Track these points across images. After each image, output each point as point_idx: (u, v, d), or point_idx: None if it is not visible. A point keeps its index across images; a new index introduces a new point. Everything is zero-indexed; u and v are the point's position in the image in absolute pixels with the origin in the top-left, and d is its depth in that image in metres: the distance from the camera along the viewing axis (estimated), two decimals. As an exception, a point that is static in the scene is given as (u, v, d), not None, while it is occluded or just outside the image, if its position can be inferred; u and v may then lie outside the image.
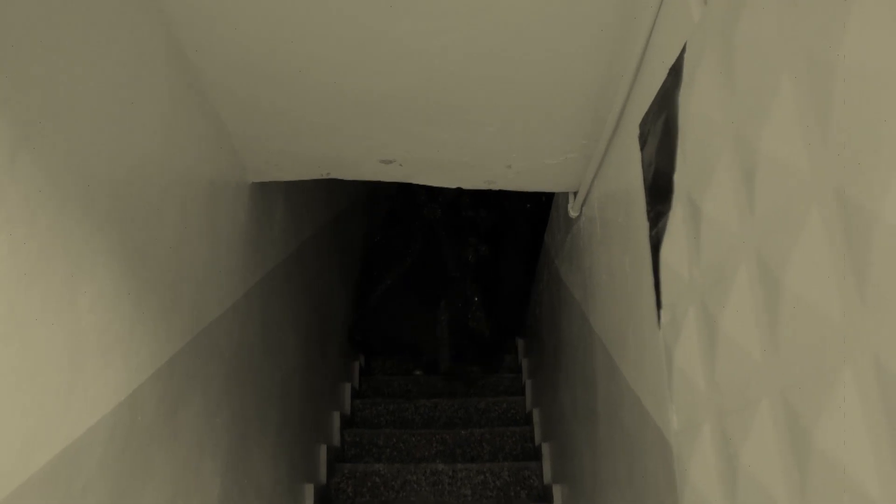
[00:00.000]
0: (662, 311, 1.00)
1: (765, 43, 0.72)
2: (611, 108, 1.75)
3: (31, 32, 1.08)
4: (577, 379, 2.43)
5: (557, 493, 2.99)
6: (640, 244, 1.56)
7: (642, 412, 1.59)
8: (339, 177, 2.18)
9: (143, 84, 1.49)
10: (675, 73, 0.94)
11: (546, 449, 3.32)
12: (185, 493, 1.76)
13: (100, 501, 1.33)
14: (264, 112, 1.87)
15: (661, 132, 0.99)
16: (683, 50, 0.93)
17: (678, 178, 0.93)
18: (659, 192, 0.99)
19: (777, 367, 0.68)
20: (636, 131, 1.62)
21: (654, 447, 1.52)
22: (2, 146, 1.03)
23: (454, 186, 2.20)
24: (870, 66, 0.56)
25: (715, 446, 0.80)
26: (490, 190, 4.12)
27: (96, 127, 1.30)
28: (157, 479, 1.60)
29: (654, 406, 1.52)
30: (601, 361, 2.03)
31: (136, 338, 1.47)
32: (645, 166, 1.08)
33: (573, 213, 2.25)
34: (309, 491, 3.04)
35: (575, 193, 2.23)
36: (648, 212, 1.06)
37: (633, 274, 1.66)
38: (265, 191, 2.35)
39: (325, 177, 2.18)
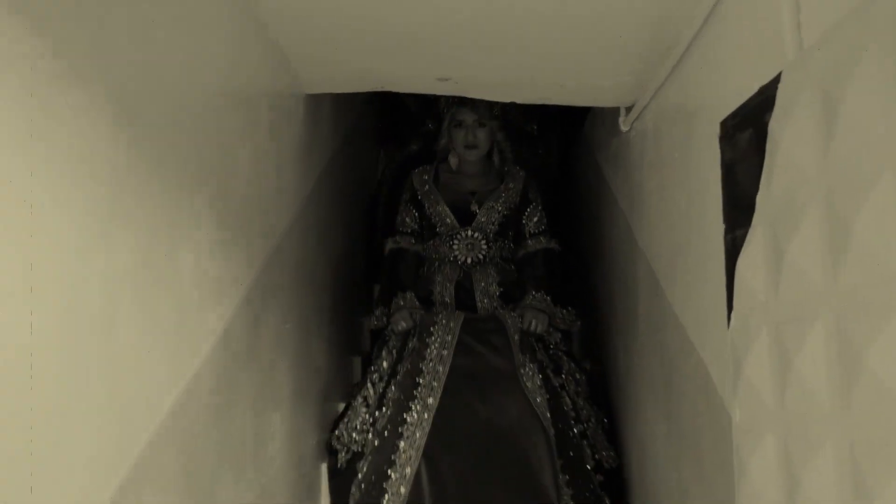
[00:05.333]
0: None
1: (870, 128, 0.76)
2: (677, 38, 1.73)
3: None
4: (616, 280, 2.56)
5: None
6: (699, 191, 1.62)
7: (687, 343, 1.72)
8: (393, 90, 2.21)
9: (212, 19, 1.50)
10: (766, 97, 0.97)
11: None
12: (264, 396, 1.96)
13: (205, 426, 1.52)
14: (322, 35, 1.86)
15: (745, 145, 1.03)
16: (778, 80, 0.95)
17: (760, 202, 0.99)
18: (737, 204, 1.06)
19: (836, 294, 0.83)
20: (703, 67, 1.63)
21: (696, 375, 1.67)
22: (120, 149, 1.10)
23: (507, 101, 2.22)
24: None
25: (770, 350, 0.98)
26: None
27: (181, 74, 1.34)
28: (244, 393, 1.78)
29: (700, 342, 1.65)
30: (644, 277, 2.14)
31: (225, 277, 1.60)
32: (724, 166, 1.13)
33: (624, 128, 2.27)
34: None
35: (627, 109, 2.24)
36: (725, 215, 1.13)
37: (689, 211, 1.73)
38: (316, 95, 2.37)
39: (378, 90, 2.20)
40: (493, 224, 2.66)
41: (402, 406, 2.30)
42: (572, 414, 2.39)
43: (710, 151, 1.36)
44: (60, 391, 0.96)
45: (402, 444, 2.24)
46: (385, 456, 2.25)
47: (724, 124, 1.12)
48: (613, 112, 2.50)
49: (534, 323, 2.46)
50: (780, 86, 0.94)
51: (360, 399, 2.51)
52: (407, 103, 3.60)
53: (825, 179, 0.84)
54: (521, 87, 2.11)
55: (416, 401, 2.29)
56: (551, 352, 2.55)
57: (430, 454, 2.22)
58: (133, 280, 1.17)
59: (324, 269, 2.64)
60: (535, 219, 2.70)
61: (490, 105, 2.57)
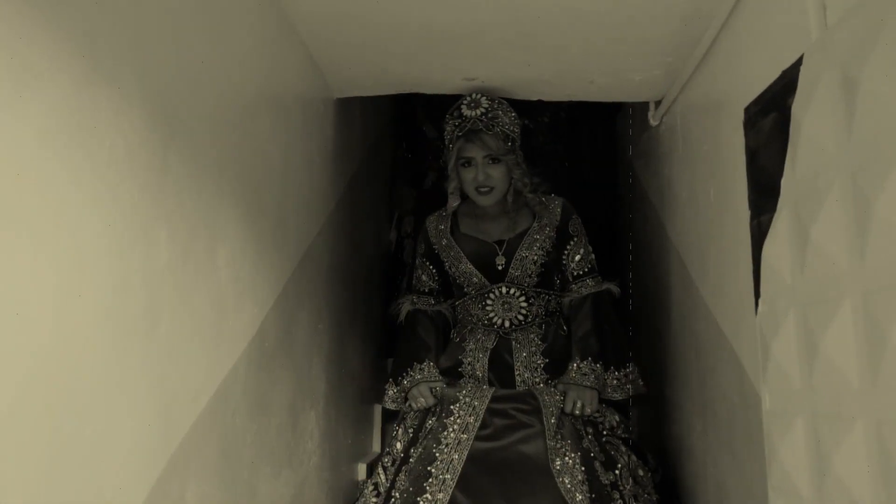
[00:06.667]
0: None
1: (889, 106, 0.76)
2: (705, 29, 1.73)
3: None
4: (649, 271, 2.55)
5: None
6: (726, 180, 1.61)
7: (719, 334, 1.72)
8: (421, 91, 2.23)
9: (245, 24, 1.54)
10: (789, 80, 0.97)
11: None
12: (301, 394, 1.99)
13: (243, 421, 1.55)
14: (349, 39, 1.89)
15: (769, 130, 1.03)
16: (800, 62, 0.96)
17: (785, 186, 0.99)
18: (762, 189, 1.06)
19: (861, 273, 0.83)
20: (729, 57, 1.63)
21: (729, 367, 1.66)
22: (157, 151, 1.14)
23: (534, 99, 2.23)
24: None
25: (797, 332, 0.98)
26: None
27: (216, 77, 1.38)
28: (280, 389, 1.82)
29: (732, 333, 1.64)
30: (677, 270, 2.14)
31: (259, 276, 1.64)
32: (749, 152, 1.14)
33: (654, 122, 2.27)
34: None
35: (656, 103, 2.24)
36: (750, 201, 1.13)
37: (717, 204, 1.73)
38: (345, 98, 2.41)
39: (406, 91, 2.23)
40: (529, 276, 2.17)
41: (411, 501, 1.89)
42: None
43: (736, 140, 1.36)
44: (106, 385, 1.00)
45: None
46: None
47: (747, 110, 1.13)
48: (642, 107, 2.51)
49: (578, 404, 2.00)
50: (802, 68, 0.94)
51: (370, 486, 2.11)
52: (425, 130, 3.44)
53: (847, 160, 0.84)
54: (549, 85, 2.12)
55: (425, 495, 1.88)
56: (604, 439, 2.04)
57: None
58: (173, 279, 1.21)
59: (356, 272, 2.68)
60: (578, 257, 2.19)
61: (505, 136, 2.08)
